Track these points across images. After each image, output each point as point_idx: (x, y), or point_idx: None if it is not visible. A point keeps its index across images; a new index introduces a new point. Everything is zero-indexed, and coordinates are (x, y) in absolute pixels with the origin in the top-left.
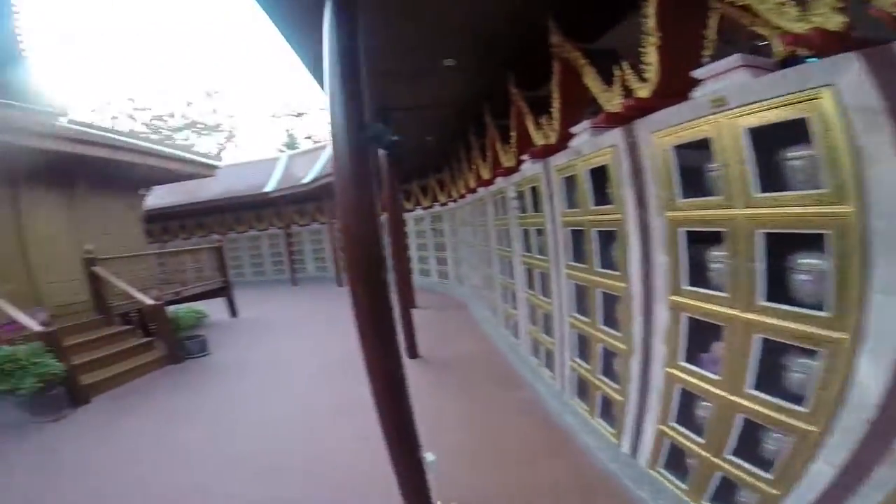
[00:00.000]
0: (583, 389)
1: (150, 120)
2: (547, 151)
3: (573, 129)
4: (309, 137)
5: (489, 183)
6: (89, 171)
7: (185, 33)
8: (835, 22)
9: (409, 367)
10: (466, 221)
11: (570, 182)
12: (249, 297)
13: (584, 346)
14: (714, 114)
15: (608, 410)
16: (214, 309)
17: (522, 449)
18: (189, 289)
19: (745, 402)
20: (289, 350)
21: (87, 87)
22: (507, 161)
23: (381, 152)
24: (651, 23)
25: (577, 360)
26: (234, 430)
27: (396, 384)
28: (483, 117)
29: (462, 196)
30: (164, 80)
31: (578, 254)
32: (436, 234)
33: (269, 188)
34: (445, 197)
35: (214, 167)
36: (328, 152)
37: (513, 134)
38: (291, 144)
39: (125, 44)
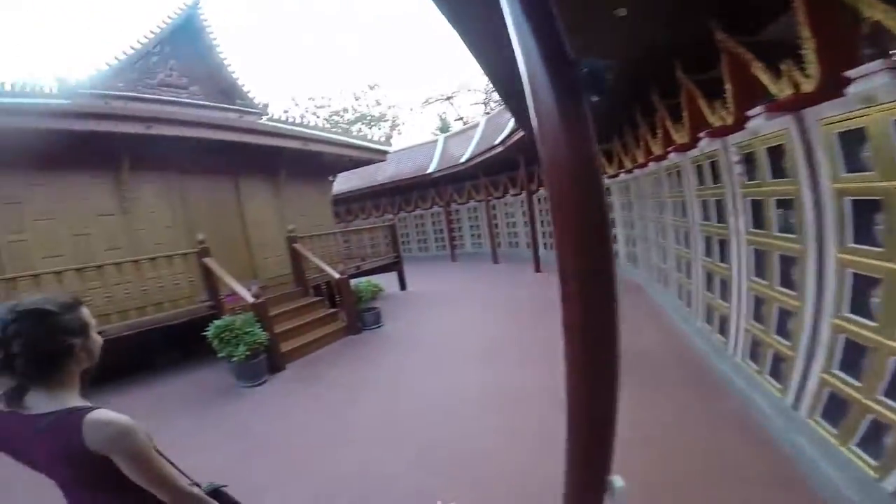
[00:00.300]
0: (838, 407)
1: (330, 116)
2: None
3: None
4: (460, 118)
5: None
6: (288, 161)
7: (335, 29)
8: None
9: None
10: (644, 195)
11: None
12: (415, 271)
13: (853, 356)
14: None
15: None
16: (386, 282)
17: (736, 477)
18: (367, 263)
19: None
20: (450, 325)
21: (272, 87)
22: (680, 138)
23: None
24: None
25: (837, 372)
26: (406, 407)
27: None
28: (650, 94)
29: (631, 170)
30: (333, 76)
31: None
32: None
33: (431, 169)
34: (614, 168)
35: (385, 152)
36: (481, 129)
37: (685, 114)
38: (444, 128)
39: (291, 43)
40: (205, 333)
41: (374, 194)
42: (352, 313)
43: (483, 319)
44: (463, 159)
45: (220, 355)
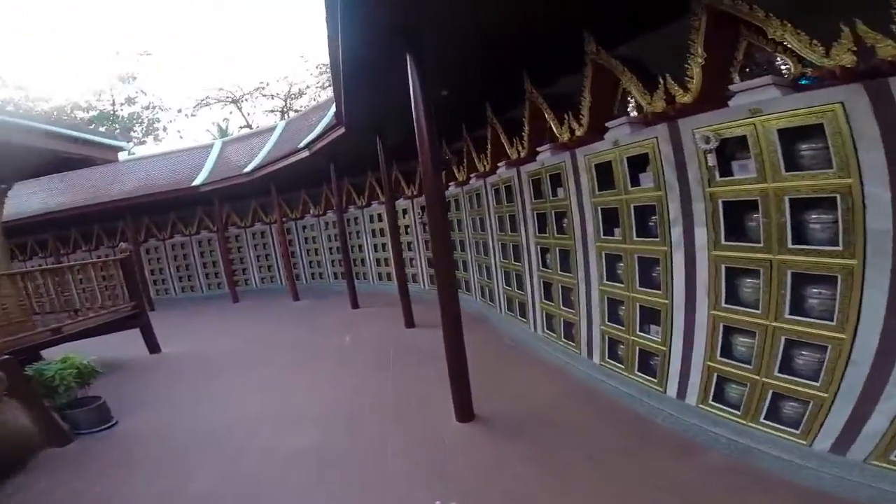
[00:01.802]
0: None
1: (51, 112)
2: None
3: (609, 125)
4: (247, 126)
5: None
6: None
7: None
8: (848, 59)
9: (466, 439)
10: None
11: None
12: (178, 322)
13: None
14: (751, 118)
15: None
16: (126, 345)
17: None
18: (78, 322)
19: (786, 325)
20: (242, 408)
21: None
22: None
23: None
24: (698, 47)
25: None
26: None
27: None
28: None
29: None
30: (60, 61)
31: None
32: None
33: (198, 181)
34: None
35: (117, 149)
36: (278, 134)
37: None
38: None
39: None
40: None
41: (107, 215)
42: (43, 416)
43: (299, 394)
44: (249, 168)
45: None
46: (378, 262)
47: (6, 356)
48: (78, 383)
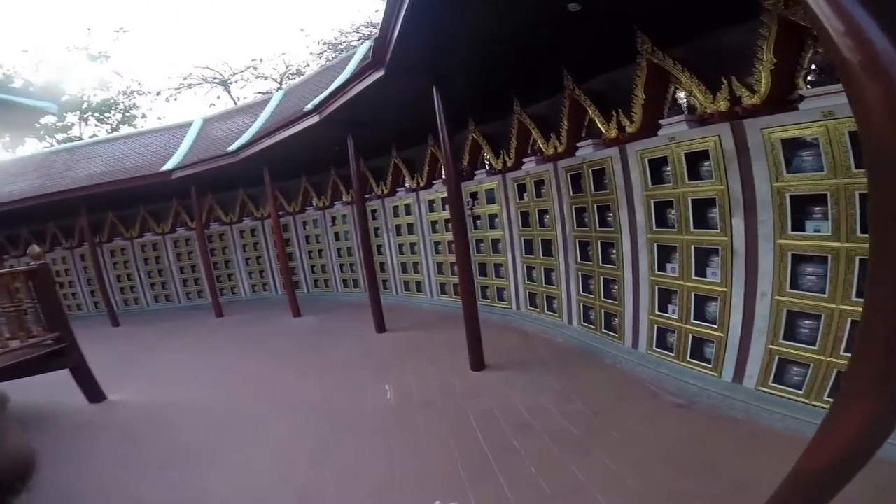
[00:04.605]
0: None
1: None
2: (555, 157)
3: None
4: None
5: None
6: None
7: None
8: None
9: None
10: None
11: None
12: (143, 344)
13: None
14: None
15: None
16: (59, 384)
17: None
18: None
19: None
20: None
21: None
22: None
23: None
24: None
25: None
26: None
27: None
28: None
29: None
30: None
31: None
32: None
33: (170, 165)
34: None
35: (39, 112)
36: (273, 106)
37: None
38: None
39: None
40: None
41: (61, 209)
42: None
43: None
44: (234, 146)
45: None
46: (404, 267)
47: None
48: None
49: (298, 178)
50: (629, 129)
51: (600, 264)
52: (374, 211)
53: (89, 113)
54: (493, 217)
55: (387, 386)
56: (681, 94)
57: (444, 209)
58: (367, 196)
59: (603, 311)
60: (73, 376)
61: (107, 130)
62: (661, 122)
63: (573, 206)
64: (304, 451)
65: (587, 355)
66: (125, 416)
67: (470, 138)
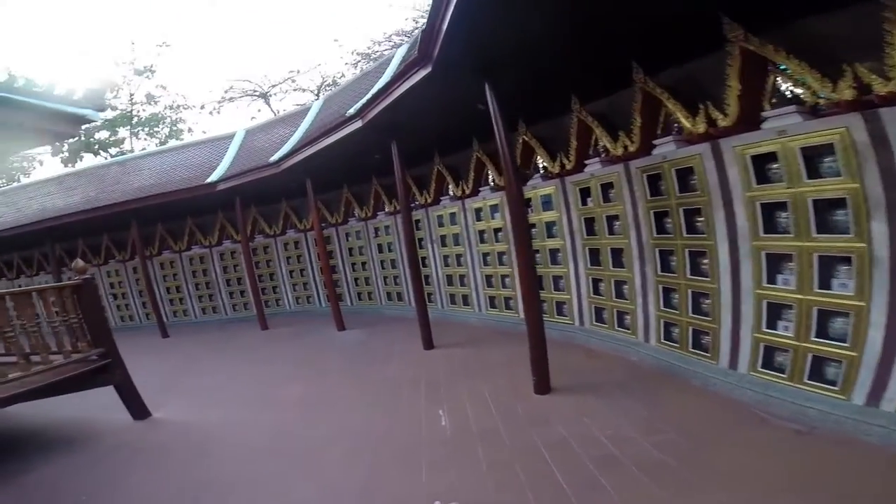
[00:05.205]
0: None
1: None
2: (625, 157)
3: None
4: None
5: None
6: None
7: None
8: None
9: None
10: None
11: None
12: (190, 355)
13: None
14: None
15: None
16: (104, 399)
17: None
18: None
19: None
20: None
21: None
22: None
23: None
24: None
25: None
26: None
27: None
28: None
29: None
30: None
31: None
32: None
33: (215, 177)
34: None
35: (81, 119)
36: (313, 114)
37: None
38: None
39: None
40: None
41: (111, 223)
42: None
43: None
44: (276, 157)
45: None
46: (450, 280)
47: None
48: None
49: (340, 189)
50: (722, 123)
51: (687, 276)
52: (417, 221)
53: (139, 127)
54: (550, 225)
55: (441, 411)
56: (787, 84)
57: (492, 217)
58: (411, 205)
59: (690, 329)
60: (117, 393)
61: (156, 144)
62: (764, 114)
63: (651, 211)
64: (353, 487)
65: (669, 376)
66: (165, 437)
67: (520, 141)
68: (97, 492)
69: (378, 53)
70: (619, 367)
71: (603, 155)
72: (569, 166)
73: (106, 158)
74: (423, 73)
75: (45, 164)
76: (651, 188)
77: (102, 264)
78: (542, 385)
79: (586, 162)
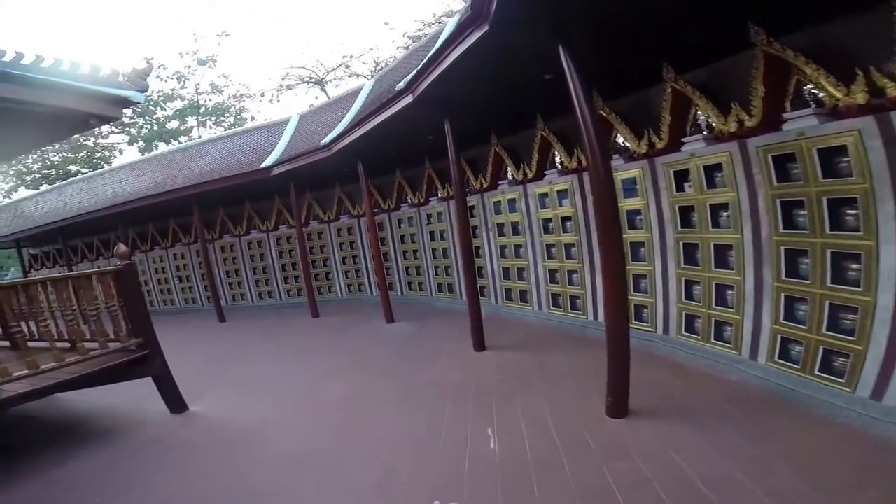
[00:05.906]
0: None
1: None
2: (740, 135)
3: (787, 115)
4: None
5: None
6: None
7: None
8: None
9: None
10: None
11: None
12: (242, 340)
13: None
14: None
15: None
16: (142, 389)
17: None
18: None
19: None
20: None
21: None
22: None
23: None
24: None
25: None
26: None
27: None
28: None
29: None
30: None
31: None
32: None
33: (269, 161)
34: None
35: (124, 101)
36: (364, 95)
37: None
38: None
39: None
40: None
41: (176, 208)
42: None
43: None
44: (328, 139)
45: None
46: (506, 273)
47: None
48: None
49: (392, 174)
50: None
51: (828, 283)
52: (471, 207)
53: (207, 117)
54: (633, 214)
55: (490, 430)
56: None
57: (560, 204)
58: (465, 190)
59: (821, 348)
60: (155, 384)
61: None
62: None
63: (777, 200)
64: None
65: (784, 404)
66: (198, 435)
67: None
68: (113, 496)
69: (427, 35)
70: (713, 387)
71: (705, 132)
72: (660, 145)
73: None
74: (478, 34)
75: (125, 153)
76: (778, 172)
77: (170, 247)
78: (619, 406)
79: (683, 140)
